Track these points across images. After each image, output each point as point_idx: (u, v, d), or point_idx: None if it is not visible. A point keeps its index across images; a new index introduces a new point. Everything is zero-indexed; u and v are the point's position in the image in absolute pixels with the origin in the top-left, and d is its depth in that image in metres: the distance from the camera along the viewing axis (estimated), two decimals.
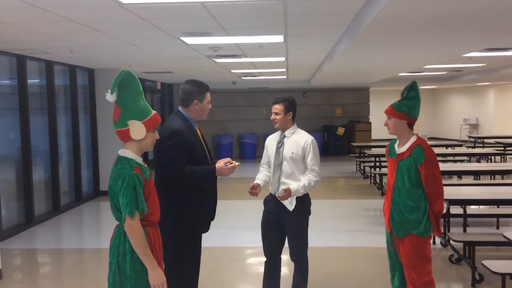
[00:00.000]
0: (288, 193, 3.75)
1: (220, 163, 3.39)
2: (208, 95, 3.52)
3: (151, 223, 2.69)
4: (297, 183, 3.81)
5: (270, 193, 4.03)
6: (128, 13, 4.46)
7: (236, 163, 3.43)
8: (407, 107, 3.51)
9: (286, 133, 3.98)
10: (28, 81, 7.60)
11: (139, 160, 2.68)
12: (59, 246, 6.98)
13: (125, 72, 2.65)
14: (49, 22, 4.80)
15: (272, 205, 3.98)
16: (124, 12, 4.40)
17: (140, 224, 2.57)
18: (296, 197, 3.87)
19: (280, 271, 4.09)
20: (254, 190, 3.82)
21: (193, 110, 3.47)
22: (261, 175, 4.07)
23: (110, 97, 2.62)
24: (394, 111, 3.54)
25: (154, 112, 2.72)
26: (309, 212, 4.01)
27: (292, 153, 3.89)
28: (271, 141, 4.10)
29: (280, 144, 3.96)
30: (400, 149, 3.55)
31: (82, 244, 7.05)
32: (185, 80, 3.52)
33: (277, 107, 3.93)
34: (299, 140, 3.92)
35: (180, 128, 3.35)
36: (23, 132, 7.50)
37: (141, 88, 2.70)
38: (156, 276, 2.59)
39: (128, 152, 2.65)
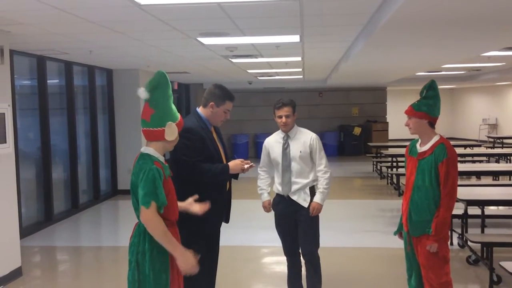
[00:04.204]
0: (318, 207, 3.91)
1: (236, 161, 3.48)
2: (228, 104, 3.54)
3: (170, 222, 2.70)
4: (318, 194, 3.94)
5: (278, 194, 4.04)
6: (146, 14, 4.51)
7: (250, 164, 3.50)
8: (427, 106, 3.49)
9: (290, 133, 4.00)
10: (48, 81, 7.72)
11: (161, 158, 2.72)
12: (78, 244, 7.08)
13: (161, 74, 2.70)
14: (68, 23, 4.88)
15: (284, 206, 4.00)
16: (142, 13, 4.45)
17: (157, 214, 2.55)
18: (310, 193, 3.95)
19: (301, 267, 4.14)
20: (268, 210, 4.10)
21: (208, 111, 3.51)
22: (264, 185, 4.14)
23: (144, 94, 2.65)
24: (414, 111, 3.51)
25: (180, 115, 2.81)
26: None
27: (301, 151, 3.94)
28: (272, 142, 4.09)
29: (286, 146, 3.98)
30: (422, 148, 3.52)
31: (100, 242, 7.14)
32: (215, 83, 3.58)
33: (287, 110, 3.94)
34: (304, 138, 3.98)
35: (193, 127, 3.40)
36: (43, 132, 7.63)
37: (171, 91, 2.77)
38: (185, 260, 2.58)
39: (151, 150, 2.70)
